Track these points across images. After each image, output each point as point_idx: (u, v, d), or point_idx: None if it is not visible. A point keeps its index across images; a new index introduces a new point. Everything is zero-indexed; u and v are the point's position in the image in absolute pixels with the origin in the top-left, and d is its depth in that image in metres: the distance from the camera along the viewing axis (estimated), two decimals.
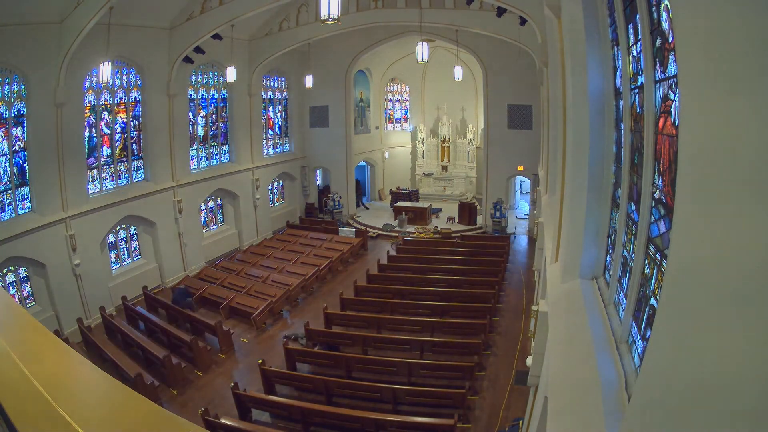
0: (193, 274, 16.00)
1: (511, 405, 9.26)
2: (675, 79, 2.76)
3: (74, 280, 12.53)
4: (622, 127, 4.14)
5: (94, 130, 13.73)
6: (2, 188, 11.40)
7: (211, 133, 18.19)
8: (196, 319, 12.27)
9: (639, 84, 3.59)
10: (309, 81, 18.88)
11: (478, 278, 14.45)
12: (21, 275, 11.71)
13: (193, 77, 16.97)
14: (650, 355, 2.11)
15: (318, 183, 24.32)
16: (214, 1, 14.67)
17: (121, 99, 14.47)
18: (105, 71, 11.51)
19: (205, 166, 17.94)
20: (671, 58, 2.84)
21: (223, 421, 8.11)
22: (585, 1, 4.45)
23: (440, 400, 9.07)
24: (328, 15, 7.68)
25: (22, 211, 11.78)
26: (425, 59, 14.67)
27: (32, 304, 11.94)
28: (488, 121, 20.26)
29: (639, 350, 3.25)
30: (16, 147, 11.61)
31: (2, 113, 11.21)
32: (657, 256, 3.12)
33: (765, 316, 1.18)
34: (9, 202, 11.53)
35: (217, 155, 18.54)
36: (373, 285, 14.46)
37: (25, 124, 11.66)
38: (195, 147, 17.45)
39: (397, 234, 20.23)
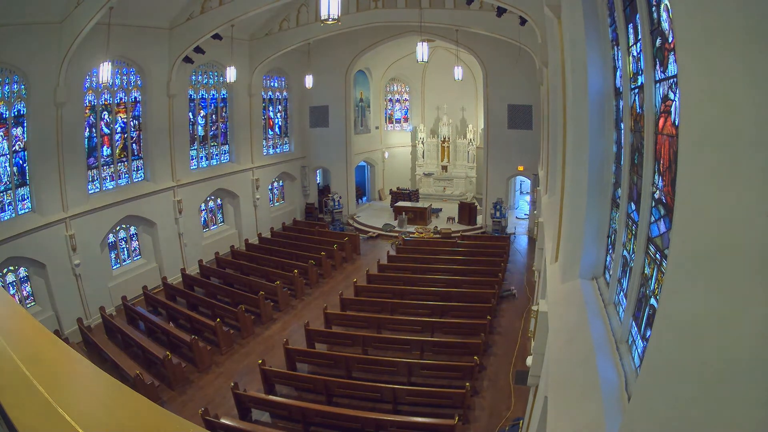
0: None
1: (511, 405, 9.26)
2: (675, 79, 2.76)
3: (74, 280, 12.53)
4: (622, 127, 4.13)
5: (94, 130, 13.73)
6: (2, 188, 11.39)
7: (211, 133, 18.19)
8: (196, 319, 12.26)
9: (639, 84, 3.59)
10: (309, 81, 18.86)
11: (478, 278, 14.45)
12: (21, 275, 11.71)
13: (193, 77, 16.96)
14: (650, 355, 2.11)
15: (318, 183, 24.32)
16: (214, 1, 14.66)
17: (121, 99, 14.47)
18: (105, 71, 11.50)
19: (205, 166, 17.94)
20: (671, 58, 2.84)
21: (223, 421, 8.11)
22: (585, 1, 4.45)
23: (440, 400, 9.06)
24: (328, 15, 7.68)
25: (22, 211, 11.78)
26: (425, 59, 14.66)
27: (32, 304, 11.93)
28: (488, 121, 20.24)
29: (639, 350, 3.24)
30: (16, 147, 11.61)
31: (2, 113, 11.20)
32: (657, 256, 3.12)
33: (766, 314, 1.18)
34: (9, 202, 11.53)
35: (217, 155, 18.54)
36: (373, 285, 14.45)
37: (25, 124, 11.66)
38: (195, 147, 17.45)
39: (397, 234, 20.22)
